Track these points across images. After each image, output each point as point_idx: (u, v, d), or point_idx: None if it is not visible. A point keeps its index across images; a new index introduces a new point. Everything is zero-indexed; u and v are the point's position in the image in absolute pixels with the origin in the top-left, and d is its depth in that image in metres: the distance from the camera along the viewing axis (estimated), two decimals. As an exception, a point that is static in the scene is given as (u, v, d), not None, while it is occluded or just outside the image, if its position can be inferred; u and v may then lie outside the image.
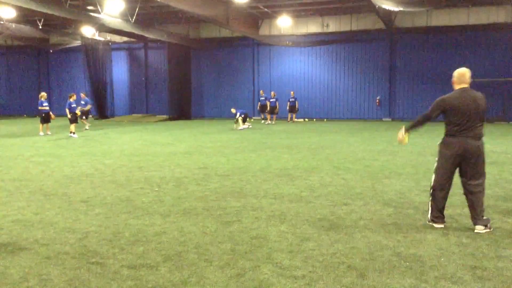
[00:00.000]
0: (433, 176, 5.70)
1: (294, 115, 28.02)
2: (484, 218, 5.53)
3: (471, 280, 4.10)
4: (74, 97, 19.06)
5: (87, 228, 5.77)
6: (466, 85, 5.60)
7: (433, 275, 4.21)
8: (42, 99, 19.43)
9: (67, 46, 33.49)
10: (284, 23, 27.60)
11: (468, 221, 5.91)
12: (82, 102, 22.22)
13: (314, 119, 29.74)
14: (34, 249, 5.01)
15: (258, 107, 28.20)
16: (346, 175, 9.39)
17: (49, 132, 19.53)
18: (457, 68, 5.80)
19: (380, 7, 22.24)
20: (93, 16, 22.78)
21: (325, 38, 29.25)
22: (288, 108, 27.69)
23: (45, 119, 19.33)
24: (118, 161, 11.61)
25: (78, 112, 18.89)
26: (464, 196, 5.71)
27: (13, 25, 27.21)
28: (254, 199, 7.25)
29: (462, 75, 5.60)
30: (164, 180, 8.92)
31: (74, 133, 18.20)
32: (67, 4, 21.05)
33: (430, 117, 5.68)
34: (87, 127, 21.91)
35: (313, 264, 4.49)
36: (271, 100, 27.15)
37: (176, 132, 20.95)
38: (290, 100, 27.57)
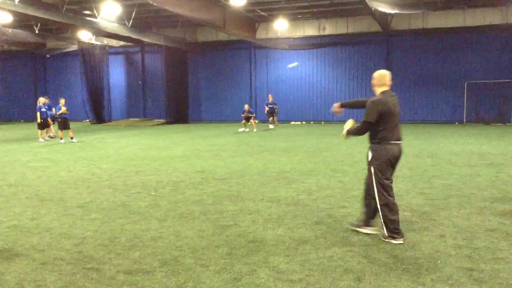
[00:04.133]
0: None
1: (275, 118, 27.03)
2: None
3: (468, 282, 4.10)
4: (63, 101, 18.65)
5: (83, 233, 5.76)
6: (388, 88, 5.39)
7: (430, 277, 4.21)
8: (40, 104, 19.37)
9: (64, 50, 33.50)
10: (281, 26, 27.65)
11: (465, 223, 5.91)
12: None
13: (312, 122, 29.77)
14: (30, 255, 4.99)
15: (266, 112, 26.47)
16: (343, 177, 9.39)
17: (46, 138, 19.37)
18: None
19: (376, 10, 22.30)
20: (90, 21, 22.79)
21: (321, 41, 29.32)
22: (266, 112, 26.31)
23: (44, 125, 19.27)
24: (115, 165, 11.59)
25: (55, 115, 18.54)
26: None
27: (10, 30, 27.18)
28: (251, 203, 7.24)
29: (383, 77, 5.36)
30: (161, 184, 8.91)
31: (61, 138, 18.13)
32: (64, 9, 21.06)
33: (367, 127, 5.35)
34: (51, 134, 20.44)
35: (310, 268, 4.48)
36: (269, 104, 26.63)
37: (173, 136, 20.94)
38: (269, 104, 26.03)
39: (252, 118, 23.28)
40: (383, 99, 5.27)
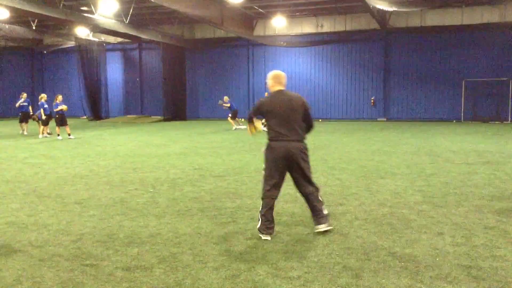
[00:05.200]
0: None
1: None
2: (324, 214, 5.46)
3: (466, 279, 4.10)
4: (60, 98, 18.70)
5: (81, 230, 5.74)
6: (282, 87, 5.55)
7: (428, 275, 4.21)
8: (43, 100, 19.22)
9: (61, 47, 33.36)
10: (279, 23, 27.61)
11: (463, 221, 5.92)
12: (25, 103, 21.26)
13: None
14: (28, 251, 4.97)
15: None
16: (341, 175, 9.39)
17: (46, 135, 19.21)
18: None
19: (374, 7, 22.30)
20: (87, 17, 22.70)
21: (319, 38, 29.30)
22: None
23: (47, 121, 19.13)
24: (113, 162, 11.57)
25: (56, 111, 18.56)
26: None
27: (7, 26, 27.08)
28: (249, 200, 7.24)
29: (277, 77, 5.54)
30: (158, 181, 8.89)
31: (58, 135, 18.07)
32: (61, 5, 20.97)
33: (252, 118, 5.79)
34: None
35: (308, 265, 4.47)
36: None
37: (171, 133, 20.90)
38: None
39: (229, 116, 23.29)
40: (267, 98, 5.55)
